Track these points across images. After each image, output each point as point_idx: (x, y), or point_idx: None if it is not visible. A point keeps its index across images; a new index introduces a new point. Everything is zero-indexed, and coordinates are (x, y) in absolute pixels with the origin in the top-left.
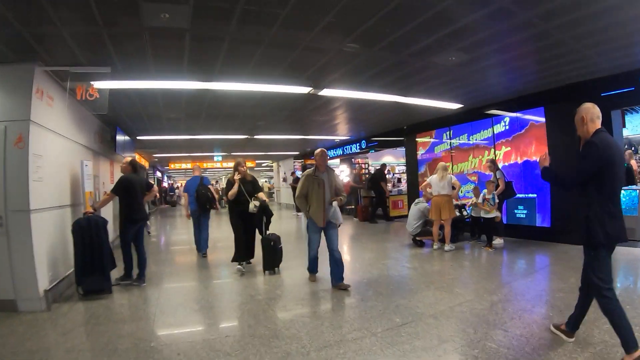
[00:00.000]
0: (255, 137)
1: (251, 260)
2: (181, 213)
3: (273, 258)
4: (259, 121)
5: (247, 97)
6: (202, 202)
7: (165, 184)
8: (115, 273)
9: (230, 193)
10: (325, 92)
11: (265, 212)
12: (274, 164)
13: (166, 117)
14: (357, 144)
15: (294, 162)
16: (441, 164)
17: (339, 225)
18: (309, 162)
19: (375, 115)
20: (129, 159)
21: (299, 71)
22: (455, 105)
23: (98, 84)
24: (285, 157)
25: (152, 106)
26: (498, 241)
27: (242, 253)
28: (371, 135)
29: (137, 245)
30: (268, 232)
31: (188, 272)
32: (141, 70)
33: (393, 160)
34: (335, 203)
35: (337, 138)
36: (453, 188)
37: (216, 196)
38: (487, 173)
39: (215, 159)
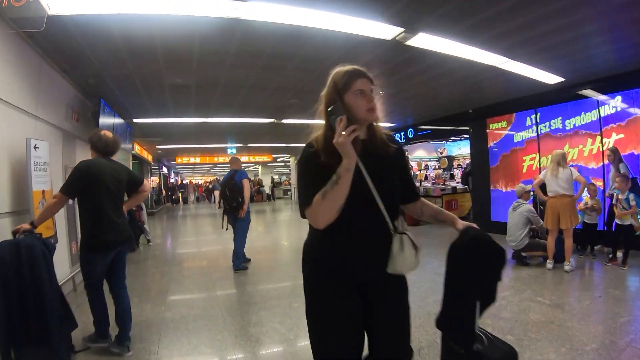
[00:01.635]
0: (284, 121)
1: None
2: (192, 213)
3: None
4: (293, 98)
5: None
6: (226, 203)
7: (172, 180)
8: (79, 332)
9: None
10: (419, 39)
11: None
12: (291, 159)
13: (170, 85)
14: (402, 134)
15: None
16: (557, 152)
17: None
18: None
19: (442, 92)
20: (100, 132)
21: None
22: (553, 79)
23: None
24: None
25: (149, 62)
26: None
27: None
28: (421, 122)
29: (113, 286)
30: None
31: (218, 312)
32: None
33: (424, 154)
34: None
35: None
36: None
37: (246, 197)
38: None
39: (229, 151)
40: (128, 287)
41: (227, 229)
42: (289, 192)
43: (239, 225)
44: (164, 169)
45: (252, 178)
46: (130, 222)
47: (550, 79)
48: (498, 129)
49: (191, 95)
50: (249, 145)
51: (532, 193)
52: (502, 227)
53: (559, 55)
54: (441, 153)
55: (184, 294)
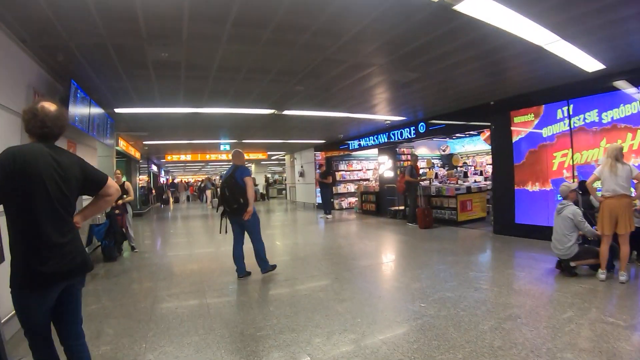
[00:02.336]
0: (285, 112)
1: None
2: (183, 214)
3: None
4: (299, 84)
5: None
6: (226, 205)
7: (162, 180)
8: None
9: None
10: (470, 3)
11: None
12: (287, 157)
13: (155, 62)
14: (412, 128)
15: (316, 154)
16: (614, 146)
17: None
18: (329, 154)
19: (461, 81)
20: (36, 105)
21: None
22: (593, 65)
23: None
24: (305, 147)
25: (128, 32)
26: None
27: None
28: (434, 115)
29: (63, 336)
30: None
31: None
32: None
33: (427, 152)
34: None
35: (387, 118)
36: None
37: (249, 197)
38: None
39: (222, 147)
40: (101, 312)
41: (226, 232)
42: (283, 192)
43: (249, 225)
44: (154, 168)
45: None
46: (109, 229)
47: (591, 65)
48: (524, 122)
49: (180, 78)
50: (244, 141)
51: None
52: (527, 231)
53: (604, 39)
54: (444, 151)
55: (171, 322)
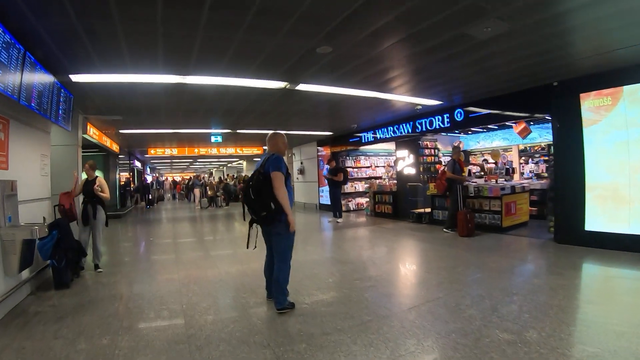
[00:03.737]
0: (300, 87)
1: None
2: (168, 215)
3: None
4: (327, 41)
5: None
6: (251, 210)
7: (148, 178)
8: None
9: None
10: None
11: None
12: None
13: None
14: (446, 116)
15: (318, 149)
16: None
17: None
18: (336, 148)
19: (513, 58)
20: None
21: None
22: None
23: None
24: (307, 141)
25: None
26: None
27: None
28: (473, 100)
29: None
30: None
31: None
32: None
33: (439, 147)
34: None
35: (420, 102)
36: None
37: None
38: None
39: (213, 139)
40: None
41: (255, 247)
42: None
43: (279, 243)
44: (137, 164)
45: (234, 174)
46: (57, 244)
47: None
48: (597, 108)
49: (157, 24)
50: (240, 131)
51: None
52: (601, 240)
53: None
54: (457, 146)
55: None
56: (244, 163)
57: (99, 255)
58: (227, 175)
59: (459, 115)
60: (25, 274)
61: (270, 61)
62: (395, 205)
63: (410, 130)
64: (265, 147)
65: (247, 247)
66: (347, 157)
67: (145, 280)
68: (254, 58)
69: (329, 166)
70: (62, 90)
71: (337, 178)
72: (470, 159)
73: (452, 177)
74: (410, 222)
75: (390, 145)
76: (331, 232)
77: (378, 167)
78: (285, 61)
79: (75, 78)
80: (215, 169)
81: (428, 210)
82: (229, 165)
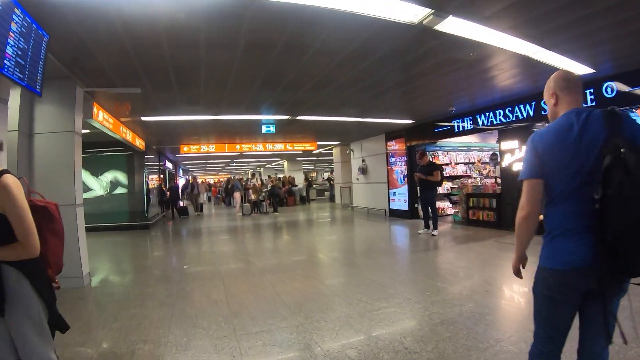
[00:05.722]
0: (446, 24)
1: None
2: (206, 225)
3: None
4: None
5: None
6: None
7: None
8: None
9: None
10: None
11: None
12: (335, 150)
13: None
14: (587, 92)
15: (389, 143)
16: None
17: None
18: (413, 142)
19: None
20: None
21: None
22: None
23: None
24: (371, 133)
25: None
26: None
27: None
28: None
29: None
30: None
31: None
32: None
33: (476, 141)
34: None
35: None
36: None
37: None
38: None
39: (265, 129)
40: None
41: None
42: (325, 193)
43: None
44: (168, 165)
45: (269, 176)
46: None
47: None
48: None
49: None
50: (299, 117)
51: None
52: None
53: None
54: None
55: None
56: (285, 163)
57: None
58: (271, 176)
59: (608, 90)
60: None
61: None
62: (500, 211)
63: (532, 113)
64: (320, 142)
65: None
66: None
67: None
68: None
69: (420, 163)
70: (23, 18)
71: (433, 178)
72: None
73: None
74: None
75: (470, 138)
76: (450, 255)
77: (458, 164)
78: None
79: None
80: (251, 170)
81: None
82: (267, 166)
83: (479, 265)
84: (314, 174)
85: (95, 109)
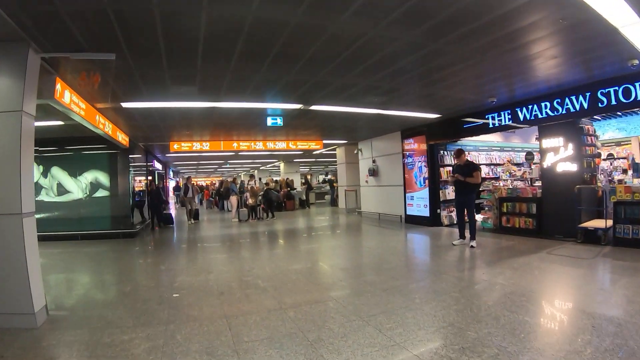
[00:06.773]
0: None
1: None
2: (199, 235)
3: None
4: None
5: None
6: None
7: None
8: None
9: None
10: None
11: None
12: (339, 150)
13: None
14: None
15: (405, 141)
16: None
17: None
18: (434, 141)
19: None
20: None
21: None
22: None
23: None
24: (383, 131)
25: None
26: None
27: None
28: None
29: None
30: None
31: None
32: None
33: (499, 140)
34: None
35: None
36: None
37: None
38: None
39: (271, 121)
40: None
41: None
42: (326, 196)
43: None
44: (157, 166)
45: (266, 182)
46: None
47: None
48: None
49: None
50: (311, 107)
51: None
52: None
53: None
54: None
55: None
56: (282, 165)
57: None
58: (267, 178)
59: None
60: None
61: None
62: (541, 217)
63: (586, 106)
64: (326, 141)
65: None
66: (445, 153)
67: None
68: None
69: (457, 162)
70: None
71: (473, 179)
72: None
73: None
74: (577, 243)
75: (493, 137)
76: (507, 270)
77: (481, 164)
78: None
79: None
80: (243, 173)
81: (602, 223)
82: (261, 168)
83: (563, 288)
84: (309, 177)
85: (59, 87)
